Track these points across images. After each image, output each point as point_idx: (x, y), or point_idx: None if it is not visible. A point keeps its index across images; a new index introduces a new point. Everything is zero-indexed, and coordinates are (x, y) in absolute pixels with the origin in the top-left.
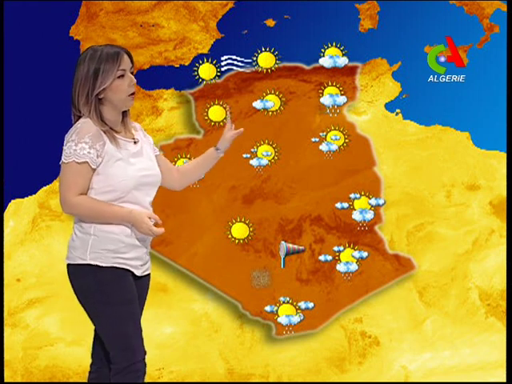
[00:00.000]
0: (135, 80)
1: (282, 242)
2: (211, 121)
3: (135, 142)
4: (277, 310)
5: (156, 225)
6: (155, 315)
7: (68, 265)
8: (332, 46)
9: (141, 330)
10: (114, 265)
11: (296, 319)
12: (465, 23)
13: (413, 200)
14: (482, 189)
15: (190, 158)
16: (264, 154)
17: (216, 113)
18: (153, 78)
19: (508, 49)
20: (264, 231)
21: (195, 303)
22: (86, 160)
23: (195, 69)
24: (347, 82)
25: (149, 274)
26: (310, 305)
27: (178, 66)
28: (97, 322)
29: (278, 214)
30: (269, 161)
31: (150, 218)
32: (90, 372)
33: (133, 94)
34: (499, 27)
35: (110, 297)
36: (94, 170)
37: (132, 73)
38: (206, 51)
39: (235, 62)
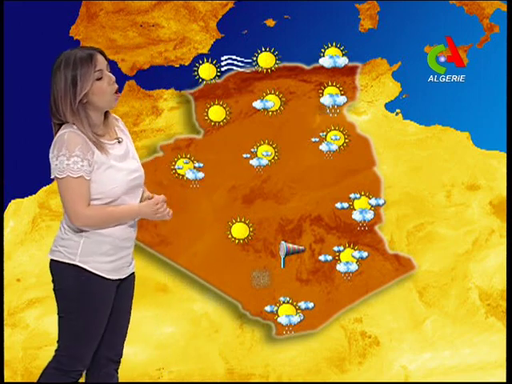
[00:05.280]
0: (114, 77)
1: (282, 242)
2: (211, 121)
3: (119, 142)
4: (277, 310)
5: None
6: (155, 315)
7: (53, 260)
8: (332, 46)
9: (98, 341)
10: (101, 274)
11: (296, 319)
12: (465, 23)
13: (413, 200)
14: (481, 189)
15: (189, 158)
16: (264, 154)
17: (216, 113)
18: (153, 78)
19: (508, 49)
20: (264, 231)
21: (195, 303)
22: (81, 174)
23: (195, 69)
24: (347, 82)
25: (133, 273)
26: (310, 305)
27: (177, 65)
28: (63, 320)
29: (277, 214)
30: (269, 161)
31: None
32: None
33: (116, 91)
34: (499, 27)
35: (84, 304)
36: (89, 180)
37: (109, 70)
38: (206, 51)
39: (235, 62)
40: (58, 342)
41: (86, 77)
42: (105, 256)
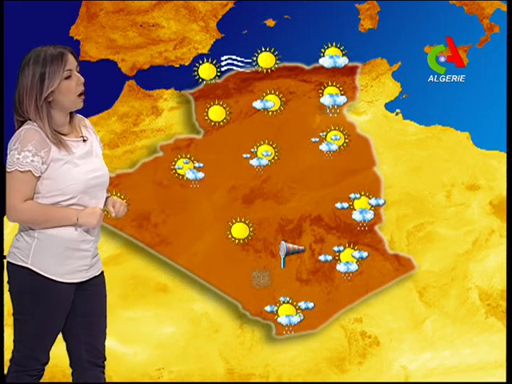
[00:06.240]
0: (83, 79)
1: (282, 242)
2: (211, 121)
3: (84, 140)
4: (277, 310)
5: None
6: (155, 315)
7: (8, 262)
8: (332, 46)
9: (54, 341)
10: (52, 277)
11: (296, 319)
12: (465, 23)
13: (413, 200)
14: (481, 189)
15: (189, 158)
16: (264, 154)
17: (216, 113)
18: (153, 78)
19: (508, 49)
20: (264, 231)
21: (195, 303)
22: (29, 169)
23: (195, 69)
24: (347, 82)
25: (102, 273)
26: (310, 305)
27: (178, 65)
28: (18, 322)
29: (277, 214)
30: (269, 161)
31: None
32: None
33: (82, 93)
34: (499, 27)
35: (38, 306)
36: (39, 177)
37: (79, 72)
38: (206, 51)
39: (235, 62)
40: (14, 341)
41: (54, 75)
42: (57, 258)
